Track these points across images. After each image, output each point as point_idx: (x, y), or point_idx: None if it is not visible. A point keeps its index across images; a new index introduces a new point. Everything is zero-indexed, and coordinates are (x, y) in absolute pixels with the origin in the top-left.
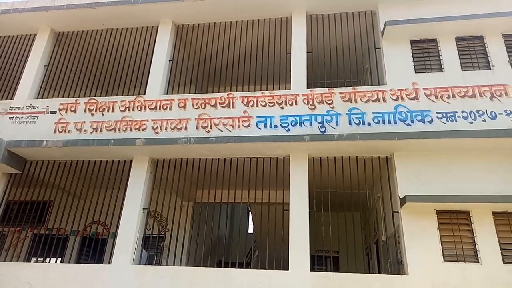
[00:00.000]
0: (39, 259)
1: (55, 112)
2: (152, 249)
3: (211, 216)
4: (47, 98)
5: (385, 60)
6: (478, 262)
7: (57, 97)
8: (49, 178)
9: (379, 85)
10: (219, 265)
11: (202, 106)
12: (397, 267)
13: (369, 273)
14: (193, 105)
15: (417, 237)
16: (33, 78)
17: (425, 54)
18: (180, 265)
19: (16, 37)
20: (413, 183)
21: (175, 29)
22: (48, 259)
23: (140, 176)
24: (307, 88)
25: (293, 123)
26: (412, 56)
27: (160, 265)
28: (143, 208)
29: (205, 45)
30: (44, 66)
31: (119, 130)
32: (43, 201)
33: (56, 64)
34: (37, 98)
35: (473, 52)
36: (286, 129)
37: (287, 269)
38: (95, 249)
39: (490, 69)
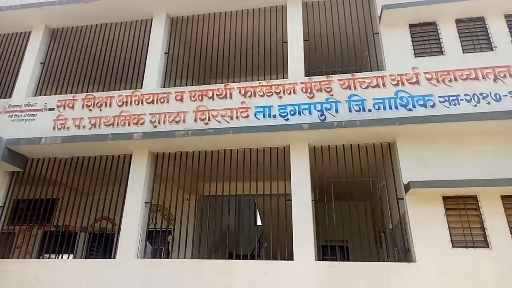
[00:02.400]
0: (50, 256)
1: (53, 109)
2: (159, 243)
3: (217, 209)
4: (45, 95)
5: (383, 45)
6: (488, 247)
7: (55, 94)
8: (51, 176)
9: (378, 70)
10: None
11: (200, 98)
12: (405, 255)
13: (379, 261)
14: (190, 97)
15: (424, 224)
16: (30, 75)
17: (425, 38)
18: (186, 258)
19: (11, 35)
20: (417, 169)
21: (170, 21)
22: (58, 255)
23: (140, 170)
24: (305, 76)
25: (292, 112)
26: (412, 40)
27: (168, 258)
28: (145, 202)
29: (201, 36)
30: (41, 63)
31: (117, 125)
32: (51, 198)
33: (52, 61)
34: (35, 96)
35: (474, 34)
36: (285, 118)
37: (292, 259)
38: (104, 245)
39: (492, 50)
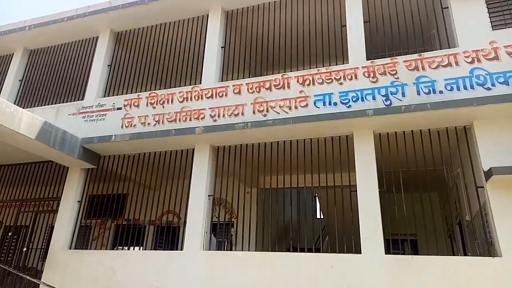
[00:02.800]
0: (123, 248)
1: (120, 108)
2: (222, 236)
3: (277, 201)
4: (113, 95)
5: (454, 20)
6: None
7: (122, 94)
8: (121, 172)
9: (449, 48)
10: (289, 250)
11: (257, 90)
12: (487, 248)
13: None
14: (248, 89)
15: (508, 214)
16: (99, 78)
17: (504, 8)
18: (249, 251)
19: (82, 41)
20: (499, 153)
21: (225, 15)
22: (129, 247)
23: (202, 163)
24: (367, 60)
25: (354, 99)
26: (488, 12)
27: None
28: (208, 195)
29: (256, 28)
30: (108, 66)
31: (179, 120)
32: (122, 193)
33: (118, 63)
34: (104, 97)
35: None
36: (347, 105)
37: (360, 253)
38: (170, 237)
39: None
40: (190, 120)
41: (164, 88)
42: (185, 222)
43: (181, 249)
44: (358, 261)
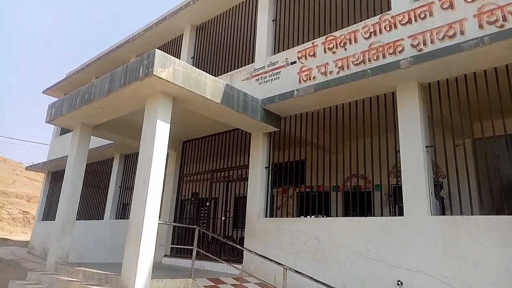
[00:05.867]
0: (306, 216)
1: (294, 62)
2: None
3: (496, 154)
4: (283, 51)
5: None
6: None
7: (294, 47)
8: (301, 134)
9: None
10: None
11: None
12: None
13: None
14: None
15: None
16: (266, 35)
17: None
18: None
19: (243, 3)
20: None
21: None
22: (313, 215)
23: (411, 107)
24: None
25: None
26: None
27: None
28: (426, 146)
29: None
30: (272, 20)
31: (369, 60)
32: (300, 160)
33: (283, 15)
34: (275, 54)
35: None
36: None
37: None
38: (360, 203)
39: None
40: (384, 57)
41: (341, 29)
42: (379, 186)
43: (401, 215)
44: None
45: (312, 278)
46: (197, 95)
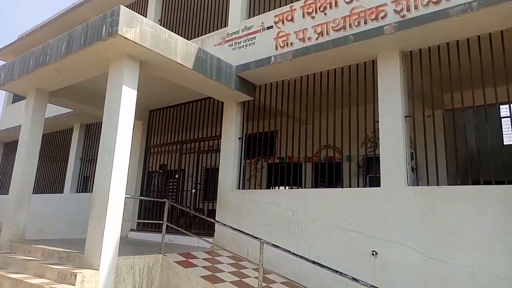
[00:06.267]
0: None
1: (271, 27)
2: None
3: (465, 126)
4: (259, 14)
5: None
6: None
7: (270, 10)
8: (276, 104)
9: None
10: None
11: None
12: None
13: None
14: None
15: None
16: None
17: None
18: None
19: None
20: None
21: None
22: (285, 187)
23: (391, 76)
24: None
25: None
26: None
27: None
28: (405, 116)
29: None
30: None
31: (349, 26)
32: (270, 131)
33: None
34: (250, 18)
35: None
36: None
37: None
38: (330, 174)
39: None
40: (366, 23)
41: None
42: (349, 156)
43: (373, 186)
44: None
45: (289, 251)
46: (167, 59)
